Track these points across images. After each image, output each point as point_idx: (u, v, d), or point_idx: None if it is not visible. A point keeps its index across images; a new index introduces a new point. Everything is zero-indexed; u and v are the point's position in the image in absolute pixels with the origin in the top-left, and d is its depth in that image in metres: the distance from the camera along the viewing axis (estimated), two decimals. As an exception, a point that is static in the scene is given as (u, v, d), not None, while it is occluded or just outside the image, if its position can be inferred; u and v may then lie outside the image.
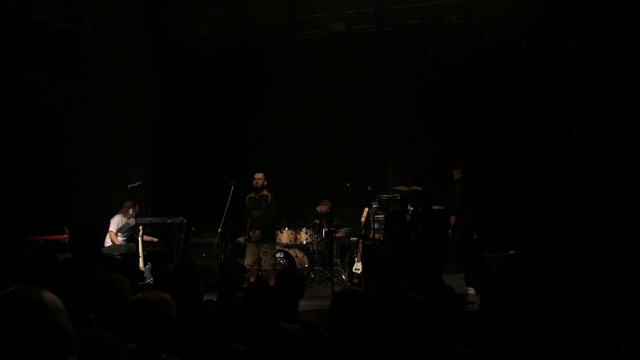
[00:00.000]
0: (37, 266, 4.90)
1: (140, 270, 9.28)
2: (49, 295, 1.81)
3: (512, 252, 4.52)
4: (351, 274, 10.73)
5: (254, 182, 10.12)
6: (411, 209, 9.72)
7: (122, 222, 10.83)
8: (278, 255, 11.06)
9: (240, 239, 11.34)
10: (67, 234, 10.21)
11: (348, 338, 3.04)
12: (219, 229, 10.69)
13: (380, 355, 2.99)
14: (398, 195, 10.17)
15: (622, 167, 9.81)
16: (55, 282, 4.71)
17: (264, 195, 10.14)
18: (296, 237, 11.84)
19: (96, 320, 3.34)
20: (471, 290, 9.47)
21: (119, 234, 10.73)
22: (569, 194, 10.36)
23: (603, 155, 9.91)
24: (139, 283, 5.93)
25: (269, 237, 10.18)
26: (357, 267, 10.51)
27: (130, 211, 10.81)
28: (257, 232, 9.96)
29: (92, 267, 4.36)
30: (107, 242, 10.51)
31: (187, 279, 4.49)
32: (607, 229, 9.79)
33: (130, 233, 10.72)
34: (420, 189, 10.14)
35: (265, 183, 10.14)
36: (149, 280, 9.03)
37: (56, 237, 10.26)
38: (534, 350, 3.16)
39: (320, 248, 11.74)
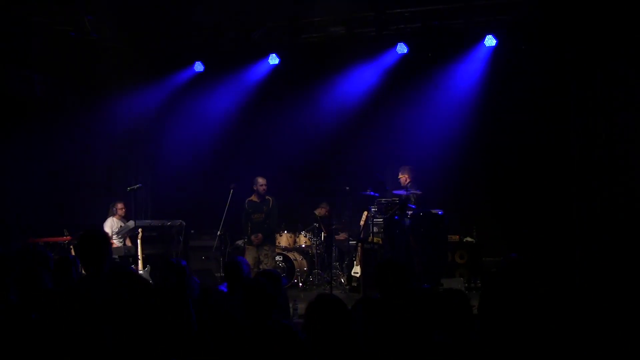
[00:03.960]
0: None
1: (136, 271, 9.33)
2: None
3: (511, 256, 4.53)
4: (350, 278, 10.72)
5: (260, 187, 10.16)
6: (410, 212, 9.73)
7: (116, 225, 10.83)
8: (277, 258, 11.07)
9: (239, 242, 11.34)
10: (66, 236, 10.22)
11: (320, 340, 3.24)
12: (218, 232, 10.69)
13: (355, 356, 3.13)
14: (397, 199, 10.17)
15: (622, 169, 9.79)
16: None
17: (265, 199, 10.18)
18: (295, 240, 11.84)
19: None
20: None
21: (115, 236, 10.72)
22: (569, 196, 10.33)
23: (603, 157, 9.87)
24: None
25: (270, 240, 10.26)
26: (356, 270, 10.51)
27: (118, 210, 10.85)
28: (260, 235, 10.00)
29: (102, 269, 4.36)
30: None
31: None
32: (607, 230, 9.74)
33: (128, 235, 10.71)
34: (419, 193, 10.13)
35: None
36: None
37: (56, 239, 10.27)
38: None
39: (319, 251, 11.73)
